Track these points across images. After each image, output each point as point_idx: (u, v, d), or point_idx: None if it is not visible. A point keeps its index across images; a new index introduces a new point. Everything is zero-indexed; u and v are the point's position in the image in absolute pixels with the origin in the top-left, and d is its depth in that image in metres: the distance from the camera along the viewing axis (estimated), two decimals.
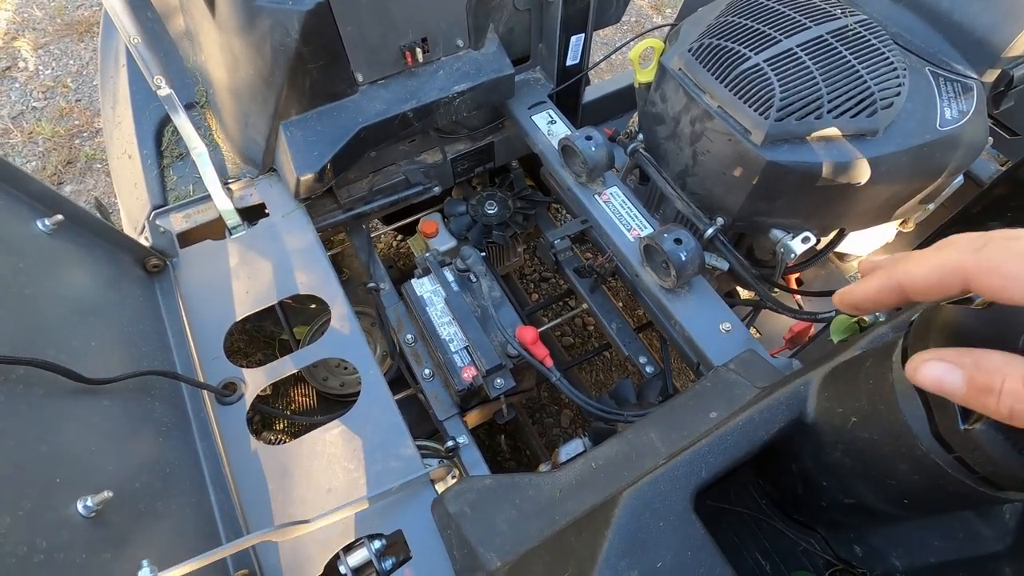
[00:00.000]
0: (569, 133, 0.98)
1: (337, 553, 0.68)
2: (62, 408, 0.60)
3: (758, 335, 1.29)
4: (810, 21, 0.83)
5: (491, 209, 1.26)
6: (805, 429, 0.48)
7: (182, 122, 0.91)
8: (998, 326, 0.29)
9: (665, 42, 0.99)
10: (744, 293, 1.23)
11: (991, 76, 0.86)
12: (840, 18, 0.84)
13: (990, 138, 0.92)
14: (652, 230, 0.94)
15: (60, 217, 0.75)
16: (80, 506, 0.54)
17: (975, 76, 0.85)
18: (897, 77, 0.80)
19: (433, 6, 0.94)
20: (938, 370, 0.28)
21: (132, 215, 1.01)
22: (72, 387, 0.62)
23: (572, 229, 1.00)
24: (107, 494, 0.55)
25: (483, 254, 1.07)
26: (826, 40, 0.82)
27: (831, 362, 0.49)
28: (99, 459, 0.61)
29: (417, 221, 1.29)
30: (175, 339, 0.85)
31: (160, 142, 1.05)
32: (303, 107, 0.95)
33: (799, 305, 1.12)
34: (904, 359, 0.38)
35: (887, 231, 1.09)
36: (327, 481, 0.74)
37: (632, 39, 1.09)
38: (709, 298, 0.87)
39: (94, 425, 0.63)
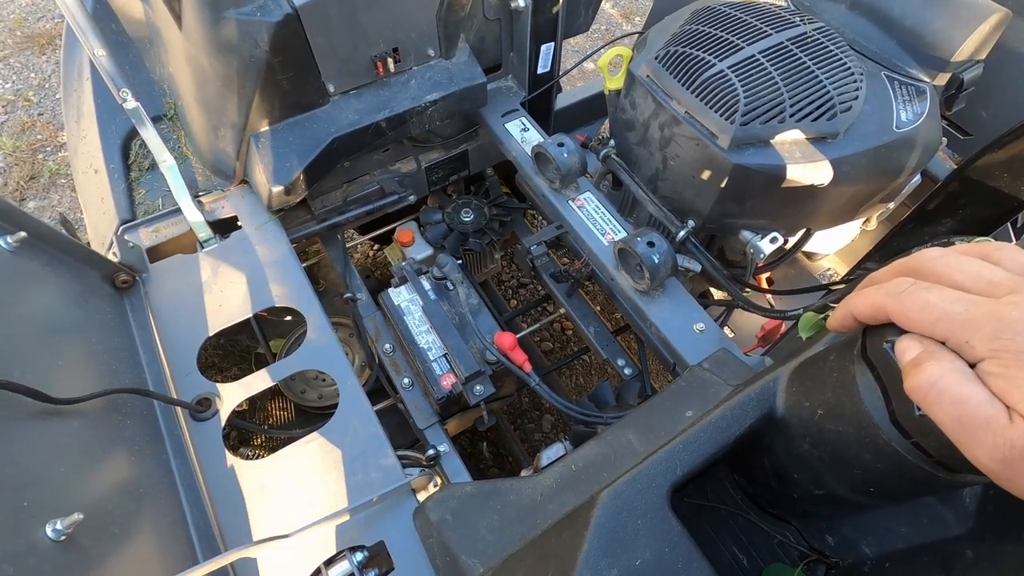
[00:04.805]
0: (542, 140, 1.00)
1: (318, 567, 0.67)
2: (29, 430, 0.59)
3: (731, 334, 1.32)
4: (771, 29, 0.86)
5: (467, 217, 1.27)
6: (775, 424, 0.50)
7: (149, 135, 0.90)
8: None
9: (633, 50, 1.01)
10: (717, 293, 1.26)
11: (942, 79, 0.89)
12: (799, 25, 0.87)
13: (944, 138, 0.96)
14: (626, 234, 0.95)
15: (23, 234, 0.73)
16: (49, 530, 0.52)
17: (927, 80, 0.89)
18: (855, 81, 0.83)
19: (403, 16, 0.94)
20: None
21: (99, 231, 0.99)
22: (39, 408, 0.60)
23: (548, 235, 1.01)
24: (77, 517, 0.54)
25: (460, 262, 1.08)
26: (787, 47, 0.84)
27: (798, 358, 0.51)
28: (69, 481, 0.59)
29: (393, 230, 1.29)
30: (147, 356, 0.83)
31: (127, 156, 1.03)
32: (274, 118, 0.94)
33: (770, 304, 1.15)
34: (864, 352, 0.39)
35: (851, 229, 1.13)
36: (306, 495, 0.73)
37: (601, 47, 1.11)
38: (683, 299, 0.88)
39: (63, 446, 0.61)
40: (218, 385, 0.81)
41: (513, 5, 1.05)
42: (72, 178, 1.64)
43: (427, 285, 1.02)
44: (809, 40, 0.85)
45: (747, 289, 1.03)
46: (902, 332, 0.35)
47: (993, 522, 0.44)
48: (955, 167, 1.06)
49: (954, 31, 0.85)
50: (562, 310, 1.10)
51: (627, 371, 1.02)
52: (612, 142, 1.04)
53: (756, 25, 0.87)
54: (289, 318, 1.34)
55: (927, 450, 0.36)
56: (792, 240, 1.01)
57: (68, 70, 1.14)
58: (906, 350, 0.33)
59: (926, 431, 0.35)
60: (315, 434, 0.77)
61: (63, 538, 0.53)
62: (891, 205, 1.01)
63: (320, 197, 1.14)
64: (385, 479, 0.74)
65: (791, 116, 0.81)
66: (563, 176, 0.97)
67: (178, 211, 0.96)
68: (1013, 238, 0.93)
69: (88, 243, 0.96)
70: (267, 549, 0.65)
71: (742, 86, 0.81)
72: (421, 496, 0.74)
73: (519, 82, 1.20)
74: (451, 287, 1.02)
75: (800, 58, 0.83)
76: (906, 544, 0.48)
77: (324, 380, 1.32)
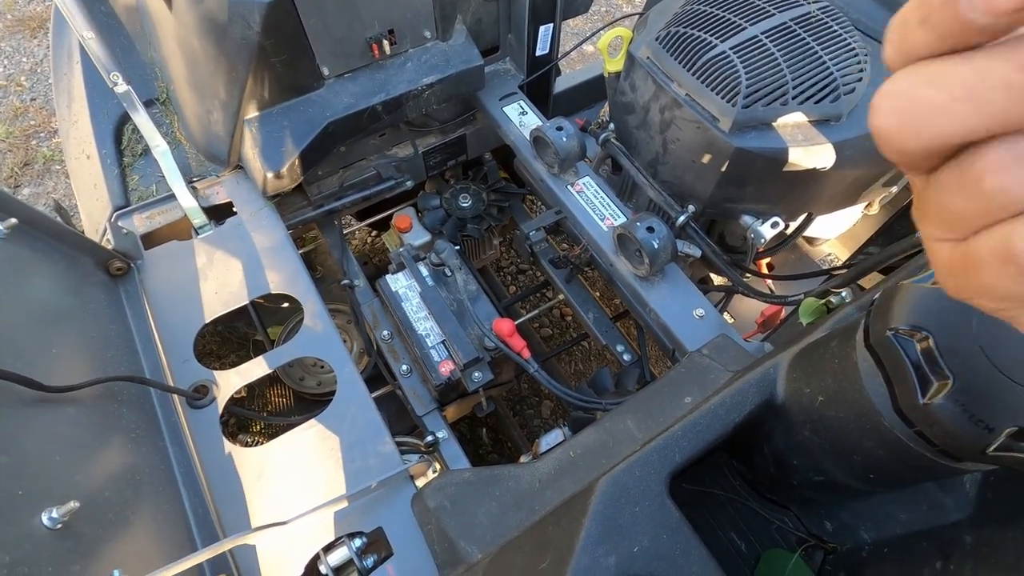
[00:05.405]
0: (540, 124, 0.98)
1: (317, 553, 0.67)
2: (23, 418, 0.58)
3: (731, 320, 1.31)
4: (773, 8, 0.84)
5: (465, 202, 1.25)
6: (775, 410, 0.49)
7: (142, 120, 0.88)
8: (955, 302, 0.31)
9: (633, 31, 0.99)
10: (717, 279, 1.25)
11: None
12: (802, 5, 0.85)
13: None
14: (625, 219, 0.94)
15: (14, 221, 0.72)
16: (45, 518, 0.52)
17: None
18: (859, 63, 0.82)
19: None
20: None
21: (93, 217, 0.98)
22: (32, 396, 0.60)
23: (547, 220, 1.00)
24: (73, 504, 0.54)
25: (458, 248, 1.07)
26: (789, 27, 0.82)
27: (799, 344, 0.50)
28: (65, 469, 0.59)
29: (390, 216, 1.28)
30: (142, 343, 0.83)
31: (120, 141, 1.01)
32: (268, 102, 0.92)
33: (770, 289, 1.14)
34: (867, 339, 0.39)
35: (853, 214, 1.12)
36: (304, 481, 0.73)
37: (601, 28, 1.09)
38: (682, 285, 0.88)
39: (58, 434, 0.61)
40: (215, 372, 0.81)
41: None
42: (66, 164, 1.63)
43: (425, 271, 1.01)
44: (813, 20, 0.84)
45: (747, 274, 1.02)
46: (904, 323, 0.34)
47: (993, 508, 0.43)
48: None
49: None
50: (561, 296, 1.09)
51: (626, 357, 1.02)
52: (611, 126, 1.03)
53: (759, 5, 0.85)
54: (286, 305, 1.33)
55: (930, 438, 0.35)
56: (793, 225, 1.00)
57: (58, 53, 1.12)
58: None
59: (930, 420, 0.34)
60: (313, 421, 0.77)
61: (59, 526, 0.53)
62: (893, 189, 0.99)
63: (316, 183, 1.12)
64: (383, 465, 0.74)
65: (794, 98, 0.79)
66: (562, 161, 0.96)
67: (172, 197, 0.95)
68: None
69: (82, 230, 0.95)
70: (265, 535, 0.65)
71: (744, 68, 0.80)
72: (420, 482, 0.74)
73: (517, 65, 1.18)
74: (449, 273, 1.01)
75: (803, 38, 0.81)
76: (905, 530, 0.48)
77: (322, 367, 1.32)
